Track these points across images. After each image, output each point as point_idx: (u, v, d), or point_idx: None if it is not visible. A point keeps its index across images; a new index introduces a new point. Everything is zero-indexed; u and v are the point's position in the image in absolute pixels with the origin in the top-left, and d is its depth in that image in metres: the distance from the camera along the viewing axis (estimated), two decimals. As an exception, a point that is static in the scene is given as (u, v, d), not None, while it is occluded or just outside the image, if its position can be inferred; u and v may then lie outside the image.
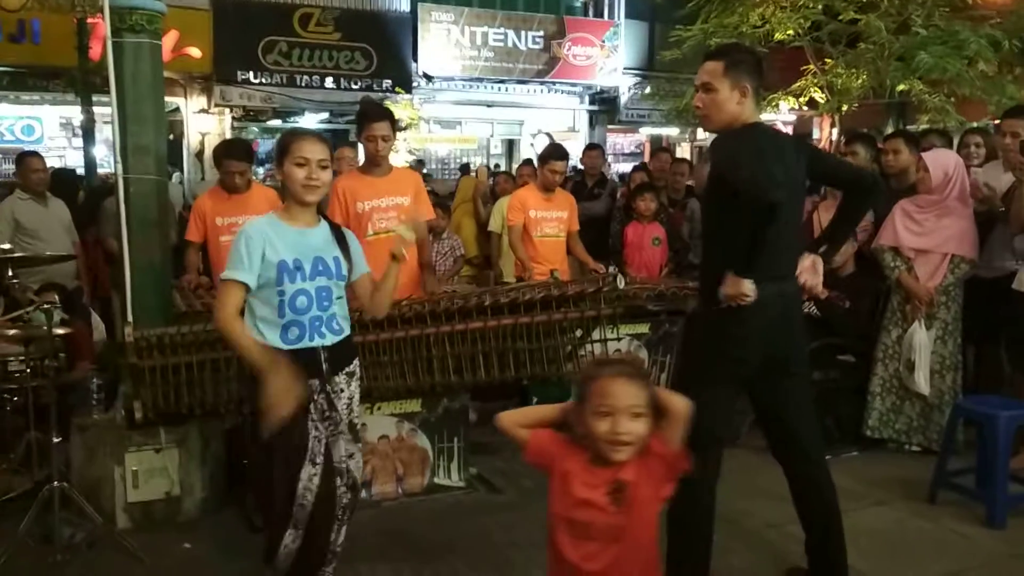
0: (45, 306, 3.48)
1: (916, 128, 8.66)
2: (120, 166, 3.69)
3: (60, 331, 3.59)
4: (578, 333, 4.26)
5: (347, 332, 2.86)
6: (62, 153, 14.12)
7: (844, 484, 3.57)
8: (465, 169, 12.46)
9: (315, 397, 2.73)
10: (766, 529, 3.72)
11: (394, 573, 3.37)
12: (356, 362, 2.92)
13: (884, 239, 4.64)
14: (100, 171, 9.86)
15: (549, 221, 5.43)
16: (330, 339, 2.76)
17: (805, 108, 9.92)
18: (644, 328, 5.22)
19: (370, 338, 3.74)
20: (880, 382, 4.70)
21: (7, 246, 4.12)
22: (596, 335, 4.32)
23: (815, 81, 9.10)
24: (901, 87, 8.74)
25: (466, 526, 3.83)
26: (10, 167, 12.54)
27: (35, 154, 5.84)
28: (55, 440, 3.55)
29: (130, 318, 3.64)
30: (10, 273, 3.72)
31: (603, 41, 15.50)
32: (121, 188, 3.68)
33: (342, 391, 2.82)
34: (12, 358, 3.81)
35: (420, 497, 4.14)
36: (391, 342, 3.84)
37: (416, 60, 14.16)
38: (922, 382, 4.49)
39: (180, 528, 3.75)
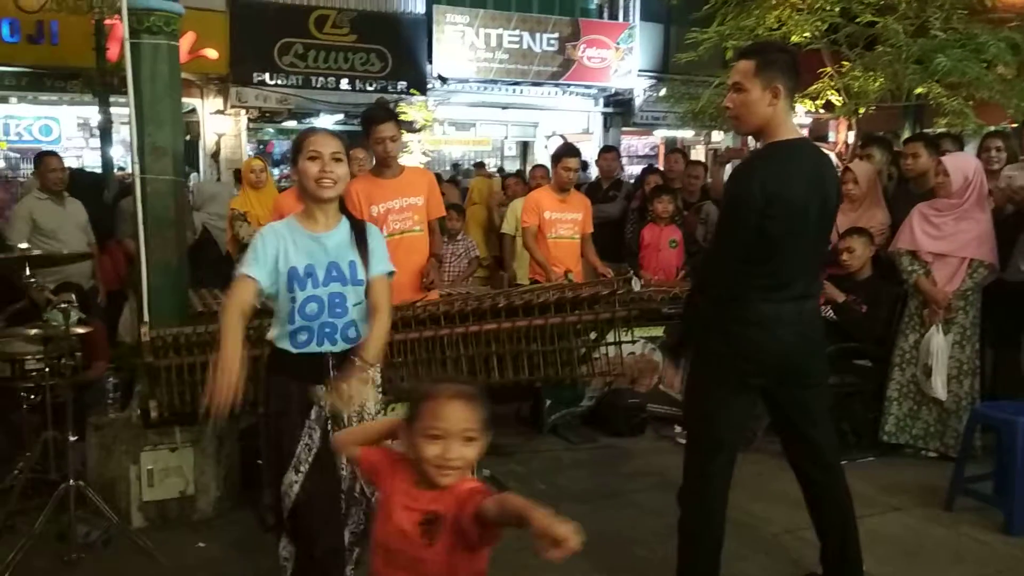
0: (63, 305, 3.50)
1: (932, 132, 8.60)
2: (137, 166, 3.71)
3: (77, 330, 3.60)
4: (592, 336, 4.25)
5: (363, 337, 2.78)
6: (79, 153, 14.23)
7: (860, 490, 3.56)
8: (479, 167, 12.48)
9: (319, 403, 2.69)
10: (782, 534, 3.69)
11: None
12: (374, 368, 2.86)
13: (902, 243, 4.61)
14: (117, 172, 9.93)
15: (564, 223, 5.41)
16: (341, 346, 2.71)
17: (821, 111, 9.86)
18: (659, 331, 5.22)
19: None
20: (897, 387, 4.67)
21: (25, 245, 4.15)
22: (610, 338, 4.31)
23: (832, 84, 9.04)
24: (919, 90, 8.67)
25: (479, 528, 3.81)
26: (28, 166, 12.66)
27: (53, 154, 5.88)
28: (71, 439, 3.57)
29: (146, 317, 3.65)
30: (27, 272, 3.74)
31: (618, 43, 15.47)
32: (138, 188, 3.70)
33: (353, 397, 2.74)
34: (30, 357, 3.82)
35: (433, 498, 4.13)
36: (405, 343, 3.84)
37: (431, 62, 14.19)
38: (939, 387, 4.45)
39: (194, 527, 3.77)
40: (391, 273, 2.85)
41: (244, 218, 5.78)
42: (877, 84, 8.66)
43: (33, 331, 3.73)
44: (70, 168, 6.39)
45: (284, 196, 4.85)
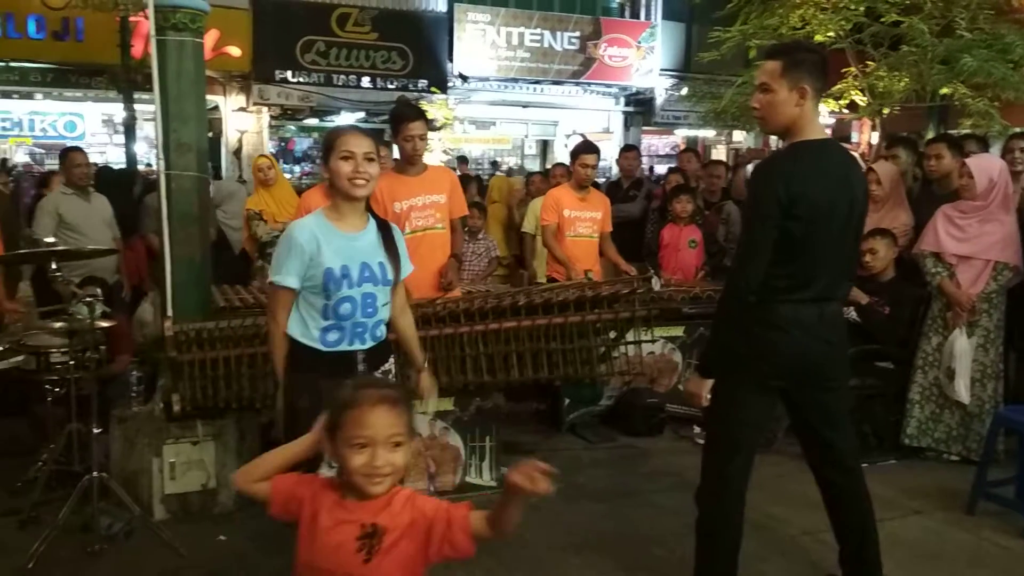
0: (88, 299, 3.54)
1: (957, 133, 8.52)
2: (162, 162, 3.74)
3: (102, 324, 3.64)
4: (612, 335, 4.24)
5: (386, 333, 2.84)
6: (103, 150, 14.40)
7: (881, 493, 3.53)
8: (495, 167, 12.48)
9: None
10: (801, 536, 3.68)
11: (425, 571, 3.37)
12: (391, 360, 2.92)
13: (925, 244, 4.57)
14: (143, 167, 10.02)
15: (583, 221, 5.41)
16: (369, 344, 2.75)
17: (845, 111, 9.80)
18: (679, 331, 5.21)
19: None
20: (919, 390, 4.63)
21: (51, 239, 4.19)
22: (630, 337, 4.30)
23: (856, 84, 8.98)
24: (944, 91, 8.60)
25: (498, 526, 3.82)
26: (53, 162, 12.81)
27: (79, 149, 5.94)
28: (95, 431, 3.61)
29: (170, 312, 3.69)
30: (53, 266, 3.78)
31: (639, 42, 15.45)
32: (163, 184, 3.74)
33: None
34: (55, 350, 3.87)
35: (452, 495, 4.15)
36: (425, 340, 3.83)
37: (452, 60, 14.22)
38: (962, 390, 4.41)
39: (216, 520, 3.80)
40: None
41: (260, 217, 5.82)
42: (902, 84, 8.61)
43: (58, 324, 3.78)
44: (96, 164, 6.47)
45: (311, 194, 4.86)
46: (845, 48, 9.00)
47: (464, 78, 14.43)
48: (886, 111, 9.15)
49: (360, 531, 1.76)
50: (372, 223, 2.79)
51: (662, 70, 15.83)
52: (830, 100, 9.23)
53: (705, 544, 2.97)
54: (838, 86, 9.10)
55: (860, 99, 9.12)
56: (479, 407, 4.20)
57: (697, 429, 4.86)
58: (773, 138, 13.06)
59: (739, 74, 10.10)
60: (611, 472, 4.58)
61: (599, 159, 5.56)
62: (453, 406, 4.15)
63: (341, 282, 2.63)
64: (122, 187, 7.03)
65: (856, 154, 8.20)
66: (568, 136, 15.83)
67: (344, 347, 2.71)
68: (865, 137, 10.74)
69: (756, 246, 2.76)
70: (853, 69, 9.03)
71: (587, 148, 5.46)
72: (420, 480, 4.12)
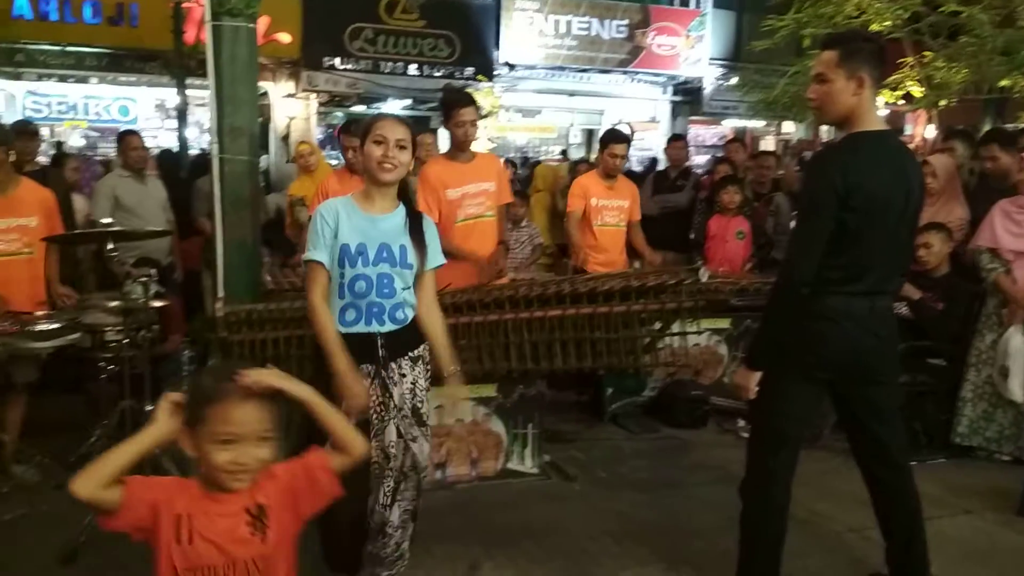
0: (143, 279, 3.61)
1: (1016, 126, 8.29)
2: (216, 146, 3.80)
3: (156, 304, 3.72)
4: (657, 325, 4.22)
5: (411, 318, 2.83)
6: (155, 134, 14.65)
7: (931, 491, 3.47)
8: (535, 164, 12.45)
9: (367, 381, 2.74)
10: (846, 533, 3.63)
11: (467, 554, 3.41)
12: (423, 347, 2.89)
13: (982, 240, 4.46)
14: (191, 152, 10.18)
15: (610, 210, 5.34)
16: (389, 327, 2.76)
17: (901, 102, 9.59)
18: (725, 323, 5.17)
19: (449, 321, 3.75)
20: (972, 388, 4.54)
21: (108, 220, 4.29)
22: (675, 328, 4.27)
23: (913, 75, 8.79)
24: (1003, 83, 8.37)
25: (539, 512, 3.84)
26: (108, 146, 13.09)
27: (135, 133, 6.06)
28: (147, 409, 3.69)
29: (221, 293, 3.75)
30: (110, 246, 3.87)
31: (688, 31, 15.26)
32: (216, 168, 3.80)
33: (404, 376, 2.81)
34: (109, 328, 3.96)
35: (493, 481, 4.17)
36: (469, 326, 3.86)
37: (498, 48, 14.19)
38: (1016, 389, 4.31)
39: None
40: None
41: (302, 202, 5.89)
42: (960, 76, 8.40)
43: (113, 303, 3.87)
44: (162, 149, 6.58)
45: (329, 178, 4.92)
46: (902, 38, 8.80)
47: (511, 66, 14.39)
48: (943, 103, 8.94)
49: (247, 516, 1.72)
50: (401, 209, 2.83)
51: (711, 59, 15.62)
52: (886, 91, 9.04)
53: (749, 537, 2.95)
54: (894, 77, 8.91)
55: (916, 90, 8.92)
56: (522, 394, 4.21)
57: (742, 422, 4.83)
58: (824, 129, 12.85)
59: (791, 64, 9.94)
60: (653, 463, 4.56)
61: (629, 148, 5.49)
62: (496, 393, 4.17)
63: (356, 259, 2.69)
64: (168, 171, 7.16)
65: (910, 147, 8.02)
66: (614, 125, 15.73)
67: (362, 328, 2.74)
68: (920, 130, 10.51)
69: (810, 237, 2.72)
70: (910, 60, 8.84)
71: (616, 137, 5.38)
72: (463, 466, 4.15)
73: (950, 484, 4.17)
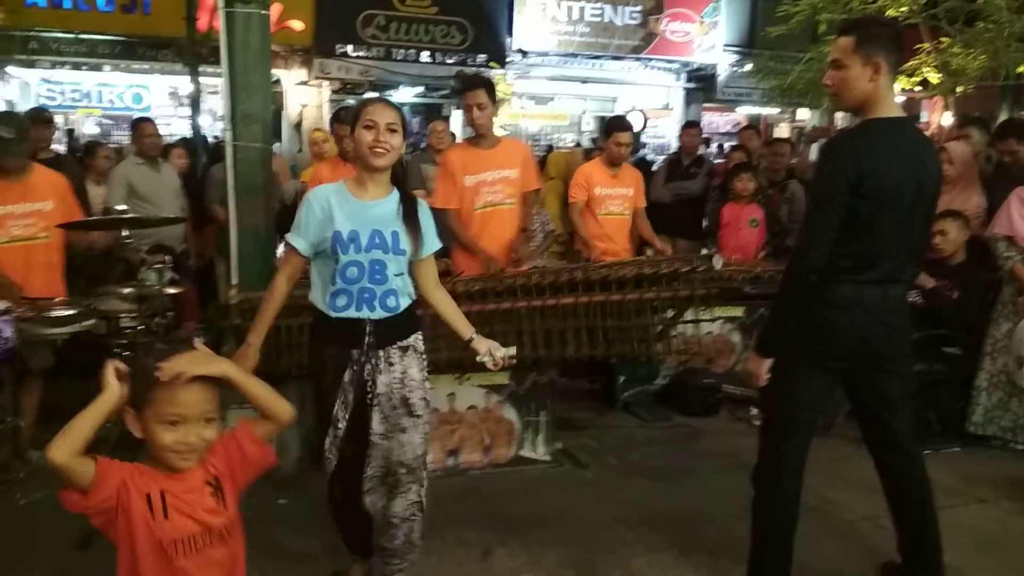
0: (157, 266, 3.63)
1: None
2: (229, 133, 3.80)
3: (170, 291, 3.74)
4: (670, 313, 4.21)
5: (404, 307, 2.80)
6: (168, 122, 14.69)
7: (944, 480, 3.47)
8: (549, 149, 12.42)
9: (352, 366, 2.74)
10: (859, 522, 3.63)
11: (480, 540, 3.43)
12: (415, 337, 2.86)
13: (999, 227, 4.42)
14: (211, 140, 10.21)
15: (614, 199, 5.30)
16: (380, 313, 2.73)
17: (918, 88, 9.50)
18: (738, 311, 5.15)
19: (461, 309, 3.76)
20: (987, 377, 4.51)
21: (123, 207, 4.30)
22: (688, 316, 4.26)
23: (929, 61, 8.70)
24: (1021, 69, 8.28)
25: (551, 500, 3.85)
26: (121, 133, 13.14)
27: (148, 120, 6.07)
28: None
29: (235, 281, 3.77)
30: (124, 233, 3.89)
31: (702, 17, 15.17)
32: (230, 155, 3.80)
33: (392, 365, 2.77)
34: (124, 315, 3.98)
35: (506, 468, 4.19)
36: (481, 314, 3.86)
37: (511, 35, 14.14)
38: (1032, 379, 4.28)
39: (276, 484, 3.88)
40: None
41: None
42: (977, 62, 8.31)
43: (128, 290, 3.89)
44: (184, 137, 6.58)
45: (321, 166, 4.92)
46: (918, 23, 8.71)
47: (523, 53, 14.34)
48: (960, 90, 8.85)
49: (209, 488, 1.82)
50: (395, 194, 2.81)
51: (725, 45, 15.53)
52: (902, 77, 8.96)
53: (761, 525, 2.95)
54: (910, 63, 8.82)
55: (933, 77, 8.83)
56: (534, 382, 4.21)
57: (754, 411, 4.81)
58: (839, 116, 12.75)
59: (806, 50, 9.86)
60: (665, 451, 4.56)
61: (633, 137, 5.45)
62: (509, 380, 4.17)
63: (348, 246, 2.67)
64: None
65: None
66: (627, 112, 15.66)
67: (352, 313, 2.72)
68: (936, 117, 10.42)
69: (822, 225, 2.71)
70: (927, 45, 8.75)
71: (621, 126, 5.31)
72: (475, 453, 4.16)
73: (964, 473, 4.15)
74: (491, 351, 2.89)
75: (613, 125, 5.35)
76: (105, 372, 1.76)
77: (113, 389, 1.74)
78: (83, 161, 6.44)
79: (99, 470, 1.71)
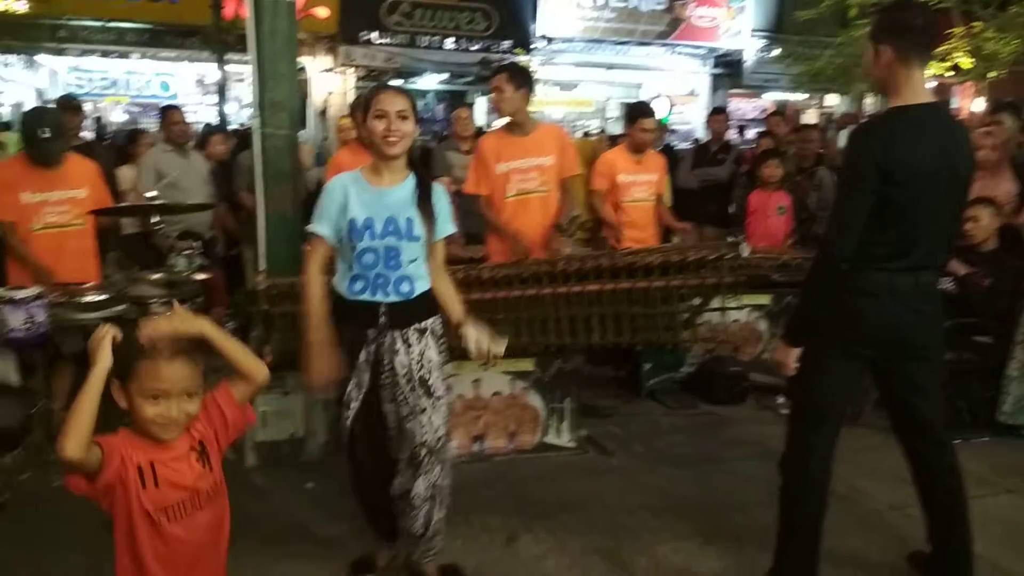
0: (187, 252, 3.67)
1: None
2: (257, 120, 3.83)
3: (199, 276, 3.77)
4: (696, 301, 4.19)
5: (419, 291, 2.82)
6: (195, 109, 14.79)
7: (974, 469, 3.42)
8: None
9: (368, 347, 2.78)
10: (887, 511, 3.60)
11: (505, 525, 3.44)
12: (434, 320, 2.88)
13: (1032, 215, 4.36)
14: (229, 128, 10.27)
15: (639, 185, 5.25)
16: (394, 298, 2.76)
17: (949, 73, 9.36)
18: (765, 299, 5.11)
19: (487, 296, 3.78)
20: (1018, 366, 4.45)
21: (153, 193, 4.35)
22: (715, 303, 4.24)
23: (962, 46, 8.56)
24: (1056, 53, 8.13)
25: (577, 486, 3.86)
26: (148, 121, 13.25)
27: (176, 108, 6.13)
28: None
29: (263, 267, 3.80)
30: (155, 220, 3.93)
31: (729, 2, 15.00)
32: (258, 142, 3.83)
33: (410, 346, 2.79)
34: (154, 300, 4.02)
35: (530, 455, 4.20)
36: (507, 300, 3.87)
37: (535, 20, 14.07)
38: (1065, 368, 4.22)
39: (303, 468, 3.93)
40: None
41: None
42: (1010, 47, 8.17)
43: (158, 275, 3.93)
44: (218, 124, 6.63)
45: (340, 153, 4.93)
46: (951, 8, 8.56)
47: (548, 39, 14.27)
48: (992, 75, 8.70)
49: (196, 453, 1.90)
50: (410, 180, 2.82)
51: (753, 30, 15.35)
52: (933, 63, 8.82)
53: (788, 513, 2.93)
54: (942, 48, 8.68)
55: (965, 61, 8.69)
56: (560, 369, 4.22)
57: (781, 399, 4.78)
58: (869, 102, 12.60)
59: (836, 35, 9.74)
60: (691, 439, 4.55)
61: (658, 123, 5.39)
62: (534, 367, 4.18)
63: (363, 233, 2.70)
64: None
65: (958, 119, 7.82)
66: (653, 99, 15.56)
67: (366, 297, 2.76)
68: (967, 103, 10.26)
69: (850, 212, 2.68)
70: (959, 30, 8.60)
71: (646, 112, 5.27)
72: (500, 439, 4.18)
73: (994, 463, 4.10)
74: (478, 340, 2.84)
75: (637, 111, 5.30)
76: (95, 340, 1.80)
77: (105, 357, 1.78)
78: (122, 149, 6.51)
79: (107, 449, 1.78)
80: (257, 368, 2.00)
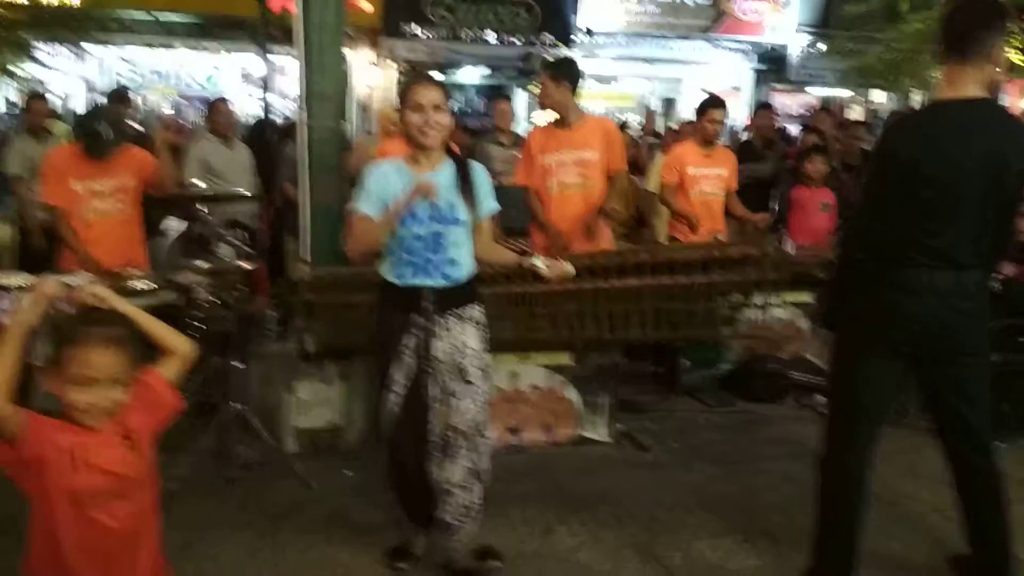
0: (233, 241, 3.73)
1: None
2: (304, 113, 3.88)
3: (245, 266, 3.83)
4: (738, 297, 4.16)
5: (464, 277, 2.87)
6: (239, 101, 14.94)
7: (1017, 474, 3.34)
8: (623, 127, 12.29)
9: (413, 331, 2.82)
10: (929, 513, 3.55)
11: (541, 518, 3.46)
12: (475, 307, 2.92)
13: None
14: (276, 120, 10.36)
15: (708, 179, 5.22)
16: (440, 282, 2.81)
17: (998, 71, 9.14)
18: (807, 297, 5.06)
19: (527, 289, 3.78)
20: (1066, 370, 4.36)
21: (200, 183, 4.43)
22: (756, 300, 4.21)
23: (1014, 43, 8.35)
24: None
25: (613, 480, 3.86)
26: (196, 112, 13.43)
27: (223, 100, 6.24)
28: (236, 367, 3.82)
29: (307, 257, 3.85)
30: (202, 209, 4.00)
31: (775, -3, 14.79)
32: (304, 134, 3.88)
33: (450, 331, 2.84)
34: (201, 288, 4.09)
35: (567, 448, 4.21)
36: (546, 294, 3.88)
37: (577, 14, 14.02)
38: (1116, 373, 4.12)
39: (342, 456, 3.99)
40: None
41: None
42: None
43: (205, 264, 3.99)
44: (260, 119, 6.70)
45: (387, 143, 4.96)
46: (1003, 3, 8.36)
47: (590, 32, 14.20)
48: (1046, 72, 8.48)
49: (123, 441, 1.88)
50: (449, 164, 2.87)
51: (799, 25, 15.12)
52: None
53: (826, 512, 2.91)
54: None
55: (1017, 58, 8.48)
56: (598, 364, 4.22)
57: (821, 398, 4.73)
58: (916, 99, 12.33)
59: (885, 30, 9.56)
60: (729, 436, 4.53)
61: (726, 114, 5.37)
62: (572, 361, 4.18)
63: (407, 219, 2.74)
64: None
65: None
66: (703, 92, 15.41)
67: (414, 281, 2.81)
68: (1019, 104, 10.01)
69: (868, 206, 2.68)
70: (1011, 26, 8.40)
71: (715, 103, 5.26)
72: (537, 431, 4.19)
73: (1038, 468, 4.02)
74: (548, 263, 2.98)
75: (707, 103, 5.29)
76: (29, 295, 1.84)
77: (28, 309, 1.81)
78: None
79: (32, 423, 1.78)
80: (180, 342, 2.02)
